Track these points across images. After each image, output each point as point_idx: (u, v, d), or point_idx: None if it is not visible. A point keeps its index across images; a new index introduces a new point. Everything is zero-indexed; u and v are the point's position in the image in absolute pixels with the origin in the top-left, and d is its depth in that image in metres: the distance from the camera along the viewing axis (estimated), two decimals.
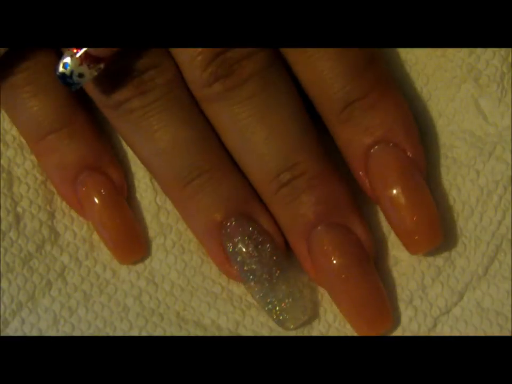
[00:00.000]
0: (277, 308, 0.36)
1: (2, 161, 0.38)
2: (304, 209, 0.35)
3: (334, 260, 0.35)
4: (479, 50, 0.38)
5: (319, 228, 0.35)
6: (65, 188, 0.37)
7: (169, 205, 0.38)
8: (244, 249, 0.35)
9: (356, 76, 0.35)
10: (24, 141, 0.38)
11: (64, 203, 0.38)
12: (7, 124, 0.38)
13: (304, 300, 0.36)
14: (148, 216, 0.38)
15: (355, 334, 0.36)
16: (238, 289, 0.37)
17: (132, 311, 0.37)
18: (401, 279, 0.37)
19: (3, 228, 0.38)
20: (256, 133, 0.35)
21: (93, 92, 0.36)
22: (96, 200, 0.37)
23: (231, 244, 0.36)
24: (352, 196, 0.36)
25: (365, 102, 0.35)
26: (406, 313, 0.37)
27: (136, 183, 0.39)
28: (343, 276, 0.35)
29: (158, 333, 0.37)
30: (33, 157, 0.38)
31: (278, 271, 0.35)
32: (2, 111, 0.38)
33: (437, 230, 0.36)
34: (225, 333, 0.37)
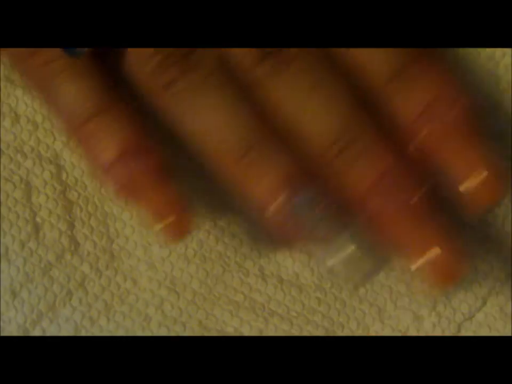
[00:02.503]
0: (337, 261, 0.35)
1: (20, 172, 0.38)
2: (359, 176, 0.35)
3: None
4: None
5: (376, 198, 0.35)
6: (109, 171, 0.37)
7: None
8: (310, 210, 0.35)
9: (402, 49, 0.36)
10: (42, 151, 0.38)
11: (83, 213, 0.38)
12: (24, 134, 0.38)
13: (366, 261, 0.36)
14: None
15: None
16: (260, 297, 0.37)
17: (153, 320, 0.37)
18: (425, 285, 0.37)
19: (22, 238, 0.37)
20: (314, 100, 0.35)
21: (139, 76, 0.36)
22: (142, 180, 0.36)
23: (296, 204, 0.35)
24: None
25: (416, 66, 0.36)
26: (429, 319, 0.37)
27: None
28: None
29: None
30: (52, 167, 0.38)
31: (343, 229, 0.35)
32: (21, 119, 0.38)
33: (500, 183, 0.35)
34: None
